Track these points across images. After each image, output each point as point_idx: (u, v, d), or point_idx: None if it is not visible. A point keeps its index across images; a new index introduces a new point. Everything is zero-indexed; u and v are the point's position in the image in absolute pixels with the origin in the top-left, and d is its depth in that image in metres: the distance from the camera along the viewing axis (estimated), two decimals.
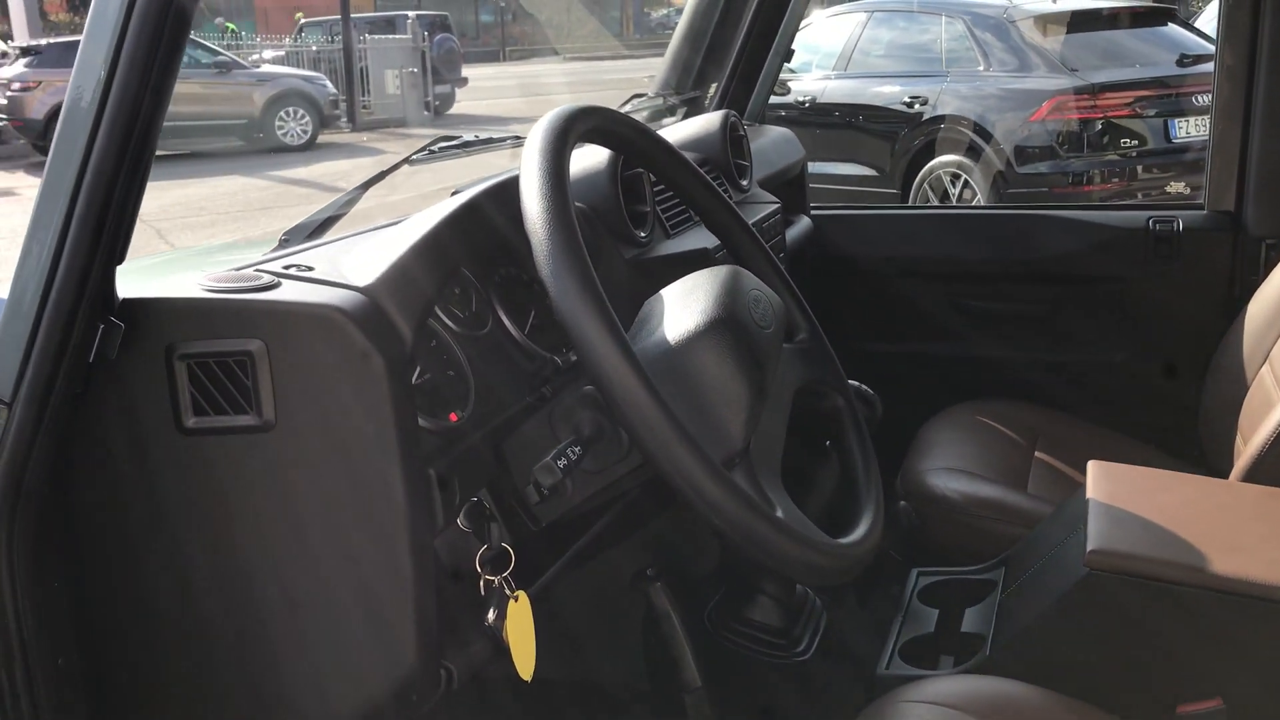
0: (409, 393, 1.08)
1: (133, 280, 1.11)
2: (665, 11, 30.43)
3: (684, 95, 2.37)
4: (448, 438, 1.17)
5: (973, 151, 6.40)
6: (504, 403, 1.27)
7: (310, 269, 1.14)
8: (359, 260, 1.16)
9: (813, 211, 2.53)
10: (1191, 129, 6.26)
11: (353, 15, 16.91)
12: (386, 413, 1.04)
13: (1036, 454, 2.04)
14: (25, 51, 13.42)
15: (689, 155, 1.74)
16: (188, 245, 8.45)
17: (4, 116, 12.98)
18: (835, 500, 1.41)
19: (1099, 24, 6.65)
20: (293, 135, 14.01)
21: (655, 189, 1.73)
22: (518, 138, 1.74)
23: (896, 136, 6.80)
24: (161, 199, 10.69)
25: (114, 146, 1.02)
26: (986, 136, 6.33)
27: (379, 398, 1.04)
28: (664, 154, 1.36)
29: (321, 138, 14.33)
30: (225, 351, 1.05)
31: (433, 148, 1.79)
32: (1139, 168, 6.21)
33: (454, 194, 1.42)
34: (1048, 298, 2.46)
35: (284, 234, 1.58)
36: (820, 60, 7.27)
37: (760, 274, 1.34)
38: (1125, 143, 6.19)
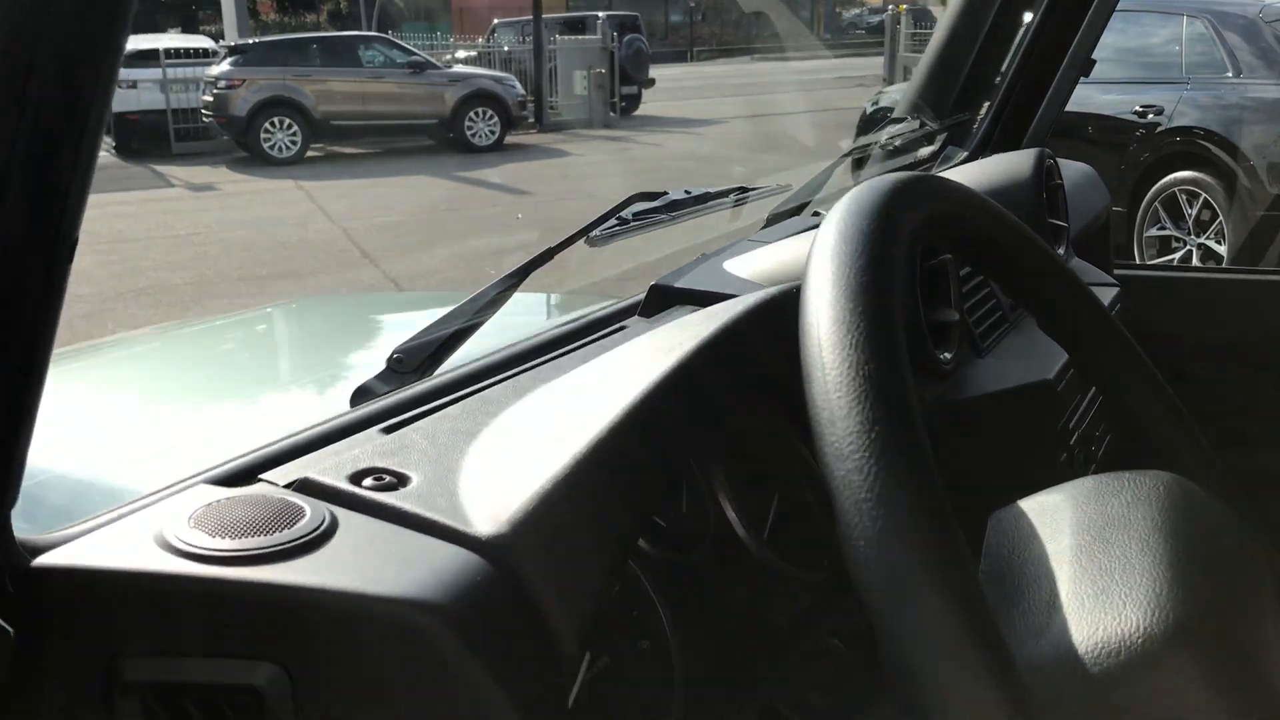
0: None
1: (54, 500, 0.70)
2: (857, 11, 29.62)
3: (947, 120, 1.88)
4: None
5: (1215, 168, 5.71)
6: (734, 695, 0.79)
7: (399, 481, 0.67)
8: (497, 463, 0.69)
9: (1116, 272, 1.95)
10: None
11: (545, 16, 16.95)
12: None
13: None
14: (232, 50, 13.90)
15: None
16: (300, 288, 8.45)
17: (210, 113, 13.45)
18: None
19: None
20: (481, 135, 14.09)
21: (965, 285, 1.30)
22: (743, 191, 1.35)
23: (1125, 149, 6.15)
24: (352, 197, 10.86)
25: None
26: (1232, 151, 5.63)
27: None
28: (1040, 259, 0.82)
29: (509, 138, 14.40)
30: (210, 684, 0.58)
31: (623, 215, 1.25)
32: None
33: (658, 303, 1.09)
34: None
35: (394, 352, 1.01)
36: None
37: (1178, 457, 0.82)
38: None
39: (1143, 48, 6.38)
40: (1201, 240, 5.76)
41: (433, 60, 14.95)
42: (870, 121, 8.37)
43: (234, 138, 13.56)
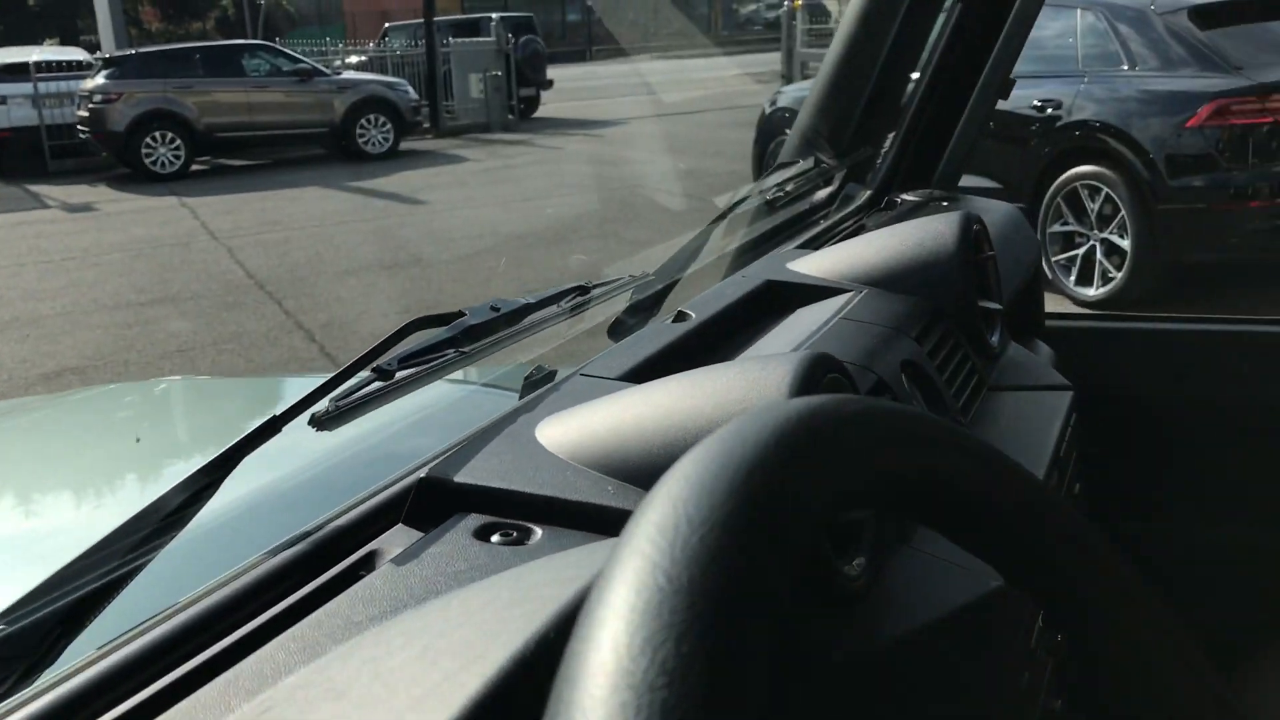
0: None
1: None
2: (754, 7, 29.60)
3: (847, 158, 1.62)
4: None
5: (1114, 161, 5.64)
6: None
7: None
8: None
9: (1049, 324, 1.74)
10: None
11: (437, 19, 16.55)
12: None
13: None
14: (108, 63, 13.27)
15: (902, 303, 1.12)
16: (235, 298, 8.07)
17: (86, 129, 12.83)
18: None
19: (1262, 14, 5.82)
20: (374, 143, 13.70)
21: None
22: (582, 291, 1.06)
23: (1026, 145, 6.06)
24: (239, 213, 10.40)
25: None
26: (1132, 144, 5.56)
27: None
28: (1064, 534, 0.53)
29: (404, 144, 14.00)
30: None
31: (384, 364, 0.86)
32: None
33: None
34: None
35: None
36: None
37: None
38: None
39: (1039, 41, 6.30)
40: (1105, 235, 5.69)
41: (321, 67, 14.47)
42: (770, 123, 8.21)
43: (113, 154, 12.96)
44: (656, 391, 0.74)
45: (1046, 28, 6.25)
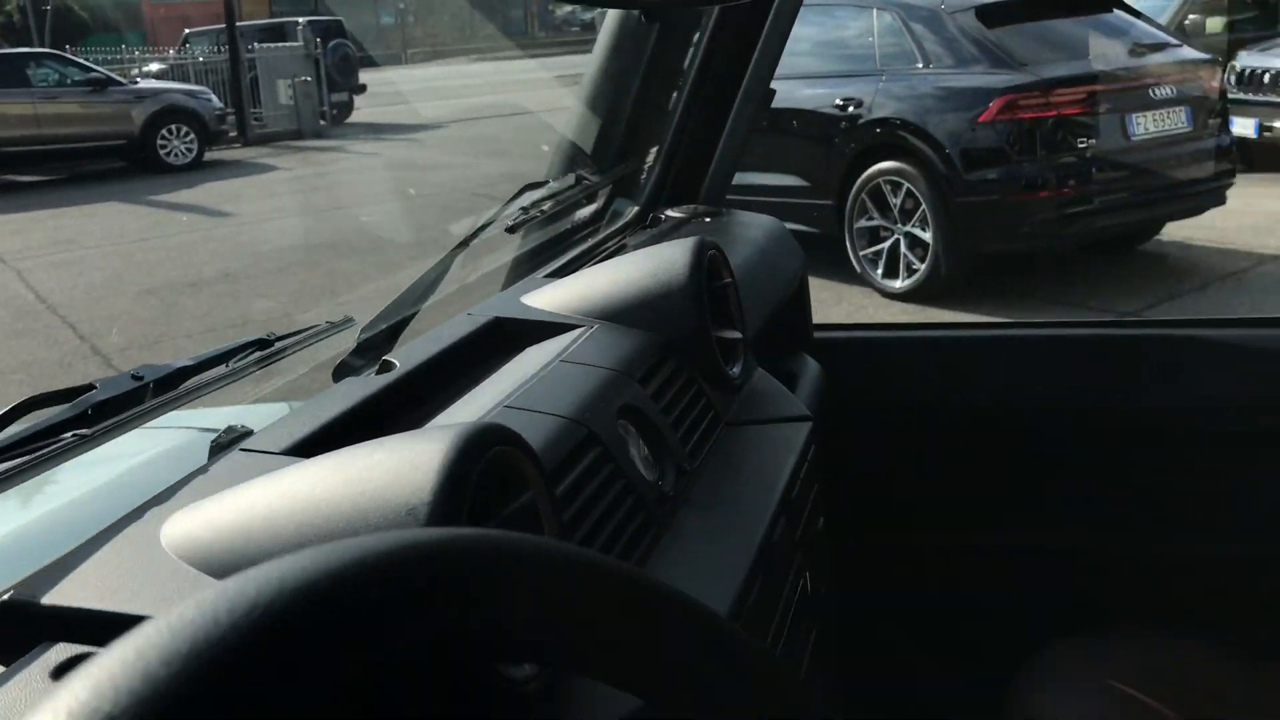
0: None
1: None
2: (571, 9, 29.59)
3: (609, 173, 1.56)
4: None
5: (914, 157, 5.82)
6: None
7: None
8: None
9: (817, 335, 1.71)
10: (1151, 125, 5.75)
11: (241, 23, 15.93)
12: None
13: None
14: None
15: (632, 339, 1.06)
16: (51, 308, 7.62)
17: None
18: None
19: (1044, 13, 6.11)
20: (177, 154, 13.07)
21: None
22: (262, 345, 0.97)
23: (830, 143, 6.20)
24: (28, 233, 9.76)
25: None
26: (929, 140, 5.75)
27: None
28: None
29: (210, 155, 13.41)
30: None
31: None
32: (1095, 169, 5.68)
33: None
34: (1206, 465, 1.65)
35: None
36: None
37: None
38: (1082, 142, 5.65)
39: (839, 40, 6.46)
40: (908, 229, 5.86)
41: (115, 76, 13.72)
42: None
43: None
44: (298, 478, 0.66)
45: (847, 28, 6.42)
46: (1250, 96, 7.52)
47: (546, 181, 1.46)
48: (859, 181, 6.05)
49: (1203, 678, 1.40)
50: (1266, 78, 7.49)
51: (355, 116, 16.63)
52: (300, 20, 16.33)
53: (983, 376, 1.70)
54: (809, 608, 1.11)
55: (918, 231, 5.83)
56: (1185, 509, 1.67)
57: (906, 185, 5.85)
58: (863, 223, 6.06)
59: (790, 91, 6.46)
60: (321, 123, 15.33)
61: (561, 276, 1.27)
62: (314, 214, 10.06)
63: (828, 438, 1.34)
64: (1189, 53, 6.30)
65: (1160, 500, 1.68)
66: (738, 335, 1.25)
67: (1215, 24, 9.09)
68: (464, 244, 1.25)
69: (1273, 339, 1.61)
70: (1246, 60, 7.76)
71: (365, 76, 17.56)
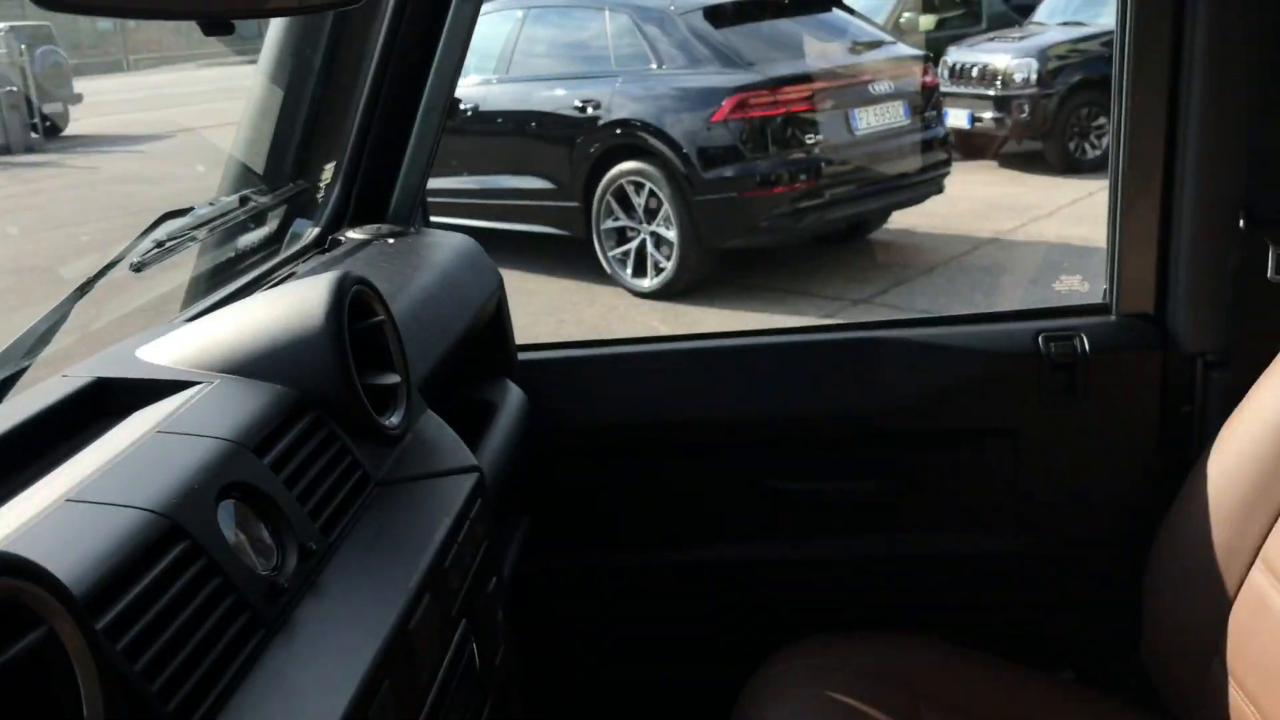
0: None
1: None
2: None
3: (281, 192, 1.41)
4: None
5: (654, 157, 5.88)
6: None
7: None
8: None
9: (522, 357, 1.63)
10: (873, 119, 6.01)
11: None
12: None
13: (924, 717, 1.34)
14: None
15: (256, 397, 0.95)
16: None
17: None
18: None
19: (769, 12, 6.29)
20: None
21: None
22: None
23: (573, 144, 6.18)
24: None
25: None
26: (667, 140, 5.81)
27: None
28: None
29: None
30: None
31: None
32: (824, 164, 5.89)
33: None
34: (901, 466, 1.69)
35: None
36: (478, 63, 6.53)
37: None
38: (810, 138, 5.85)
39: (577, 42, 6.45)
40: (653, 228, 5.91)
41: None
42: None
43: None
44: None
45: (585, 29, 6.43)
46: (961, 89, 8.01)
47: (191, 209, 1.29)
48: (603, 182, 6.06)
49: (924, 672, 1.42)
50: (974, 71, 7.98)
51: (73, 128, 15.46)
52: (1, 26, 15.04)
53: (683, 390, 1.68)
54: (475, 683, 1.01)
55: (662, 231, 5.89)
56: (886, 510, 1.70)
57: (649, 185, 5.89)
58: (609, 223, 6.08)
59: (531, 93, 6.41)
60: (33, 136, 14.17)
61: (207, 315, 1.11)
62: (27, 234, 9.26)
63: (536, 463, 1.27)
64: (904, 49, 6.63)
65: (867, 502, 1.70)
66: (395, 379, 1.11)
67: (927, 21, 9.65)
68: (83, 289, 1.08)
69: (952, 336, 1.65)
70: (956, 56, 8.26)
71: (83, 85, 16.36)
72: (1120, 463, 1.63)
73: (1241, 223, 1.49)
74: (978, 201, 7.35)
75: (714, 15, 6.05)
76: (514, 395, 1.39)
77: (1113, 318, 1.64)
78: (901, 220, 6.76)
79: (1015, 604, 1.71)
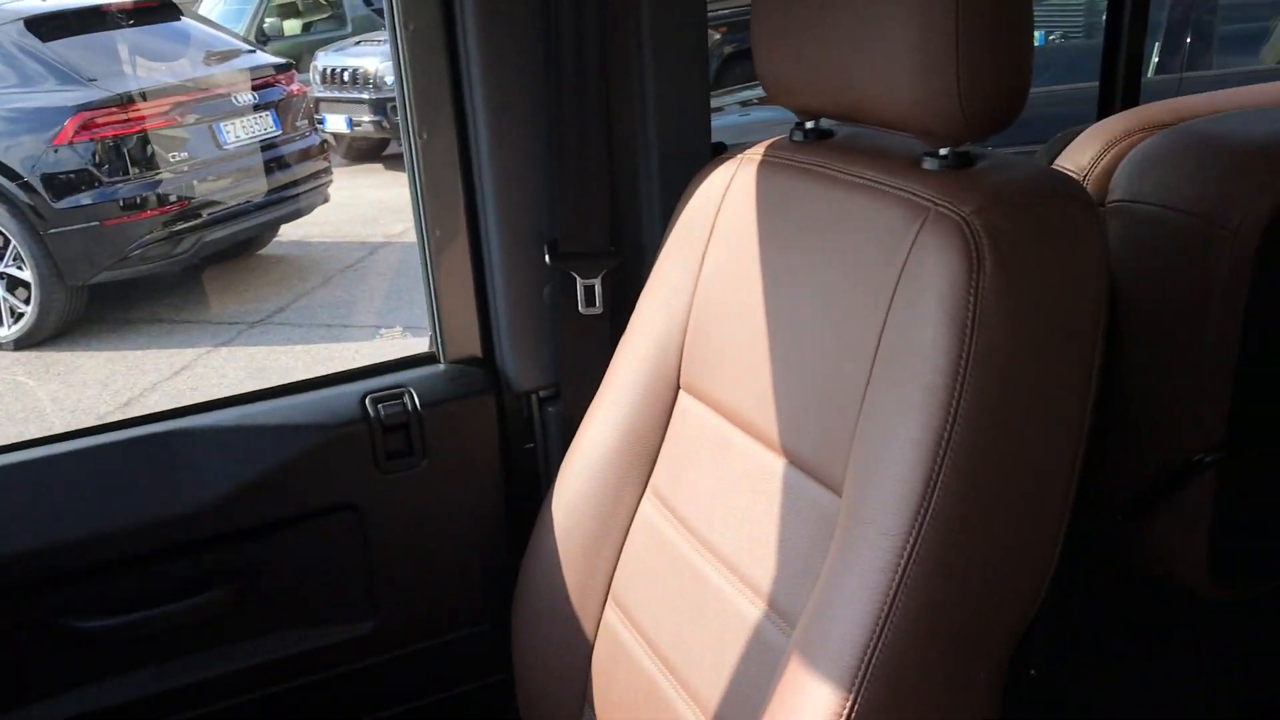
0: None
1: None
2: None
3: None
4: None
5: None
6: None
7: None
8: None
9: None
10: (241, 131, 5.73)
11: None
12: None
13: None
14: None
15: None
16: None
17: None
18: None
19: (105, 24, 5.75)
20: None
21: None
22: None
23: None
24: None
25: None
26: (3, 169, 5.11)
27: None
28: None
29: None
30: None
31: None
32: (194, 182, 5.52)
33: None
34: (233, 569, 1.45)
35: None
36: None
37: None
38: (175, 156, 5.44)
39: None
40: (2, 270, 5.18)
41: None
42: None
43: None
44: None
45: None
46: (336, 94, 7.94)
47: None
48: None
49: None
50: (346, 75, 7.95)
51: None
52: None
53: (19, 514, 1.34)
54: None
55: (15, 272, 5.18)
56: (220, 624, 1.46)
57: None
58: None
59: None
60: None
61: None
62: None
63: None
64: (264, 57, 6.40)
65: (196, 621, 1.44)
66: None
67: (292, 26, 9.46)
68: None
69: (270, 412, 1.50)
70: (326, 60, 8.16)
71: None
72: (473, 515, 1.54)
73: (547, 258, 1.45)
74: (368, 205, 7.35)
75: (37, 26, 5.41)
76: None
77: (442, 366, 1.54)
78: (293, 232, 6.56)
79: (379, 692, 1.56)
